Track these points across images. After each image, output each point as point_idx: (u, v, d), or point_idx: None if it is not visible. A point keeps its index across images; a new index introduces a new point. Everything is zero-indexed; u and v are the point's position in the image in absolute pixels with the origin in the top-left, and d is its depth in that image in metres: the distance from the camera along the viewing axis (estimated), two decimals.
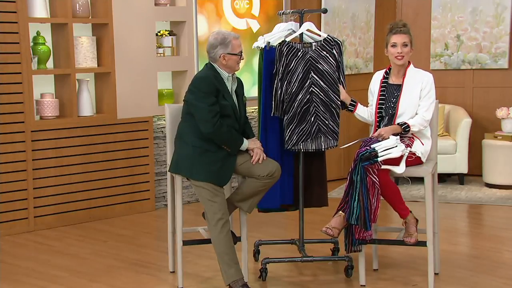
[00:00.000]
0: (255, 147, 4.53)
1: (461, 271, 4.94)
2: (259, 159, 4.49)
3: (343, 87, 4.83)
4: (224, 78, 4.48)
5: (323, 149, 4.81)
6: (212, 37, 4.49)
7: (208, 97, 4.38)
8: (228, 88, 4.49)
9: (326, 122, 4.78)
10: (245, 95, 4.67)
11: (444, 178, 7.82)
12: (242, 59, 4.54)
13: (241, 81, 4.65)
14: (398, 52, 4.64)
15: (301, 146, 4.77)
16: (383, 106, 4.71)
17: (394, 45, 4.65)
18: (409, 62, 4.71)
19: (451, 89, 8.29)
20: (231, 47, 4.44)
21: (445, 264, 5.02)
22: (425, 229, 4.55)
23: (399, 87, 4.69)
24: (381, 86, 4.75)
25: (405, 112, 4.63)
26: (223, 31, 4.55)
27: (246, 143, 4.52)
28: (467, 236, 6.10)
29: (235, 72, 4.57)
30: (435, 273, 4.68)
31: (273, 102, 4.74)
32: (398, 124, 4.61)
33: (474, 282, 4.74)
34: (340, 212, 4.57)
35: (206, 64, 4.54)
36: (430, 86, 4.65)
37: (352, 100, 4.85)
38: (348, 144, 4.80)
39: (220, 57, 4.44)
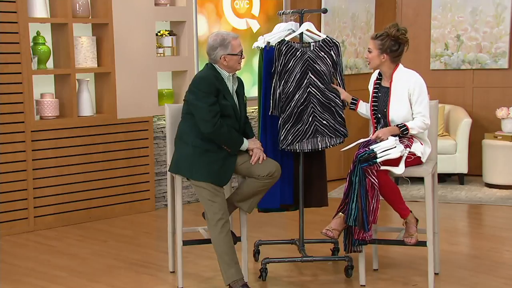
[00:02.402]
0: (254, 147, 4.53)
1: (461, 271, 4.94)
2: (258, 159, 4.49)
3: (343, 88, 4.84)
4: (224, 78, 4.48)
5: (320, 148, 4.80)
6: (211, 38, 4.48)
7: (208, 97, 4.38)
8: (229, 88, 4.49)
9: (325, 122, 4.78)
10: (245, 95, 4.67)
11: (444, 178, 7.82)
12: (243, 58, 4.54)
13: (242, 81, 4.65)
14: (364, 57, 4.70)
15: (297, 146, 4.76)
16: (377, 109, 4.70)
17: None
18: (396, 65, 4.68)
19: (451, 89, 8.29)
20: (231, 48, 4.44)
21: (445, 264, 5.02)
22: (425, 229, 4.55)
23: (388, 90, 4.68)
24: (374, 88, 4.75)
25: (396, 116, 4.59)
26: (222, 32, 4.55)
27: (246, 143, 4.52)
28: (467, 236, 6.10)
29: (236, 72, 4.57)
30: (435, 273, 4.68)
31: (271, 101, 4.75)
32: (397, 125, 4.60)
33: (474, 282, 4.74)
34: (340, 213, 4.56)
35: (207, 64, 4.54)
36: (419, 89, 4.57)
37: (353, 98, 4.86)
38: (348, 147, 4.79)
39: (220, 58, 4.44)
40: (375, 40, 4.62)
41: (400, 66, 4.67)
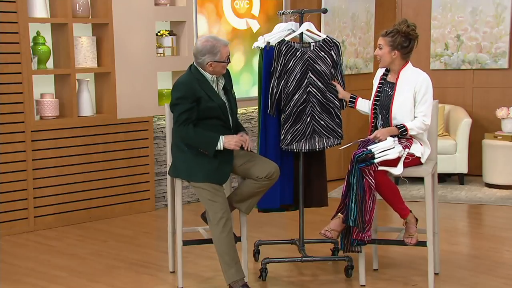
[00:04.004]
0: (232, 142, 4.39)
1: (461, 271, 4.94)
2: (246, 144, 4.42)
3: (342, 87, 4.84)
4: (208, 79, 4.46)
5: (317, 149, 4.81)
6: (201, 43, 4.42)
7: (183, 103, 4.35)
8: (214, 88, 4.47)
9: (322, 122, 4.78)
10: (233, 89, 4.63)
11: (444, 178, 7.82)
12: (229, 63, 4.51)
13: (229, 73, 4.59)
14: (375, 54, 4.73)
15: (295, 146, 4.77)
16: (378, 103, 4.69)
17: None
18: (406, 62, 4.69)
19: (451, 89, 8.29)
20: (219, 56, 4.40)
21: (445, 264, 5.02)
22: (425, 229, 4.55)
23: (393, 85, 4.67)
24: (380, 82, 4.74)
25: (398, 113, 4.59)
26: (213, 37, 4.47)
27: (221, 141, 4.38)
28: (467, 236, 6.10)
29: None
30: (435, 273, 4.69)
31: (269, 101, 4.75)
32: (396, 126, 4.59)
33: (474, 282, 4.74)
34: (339, 214, 4.56)
35: (190, 66, 4.52)
36: (425, 88, 4.57)
37: (351, 96, 4.85)
38: (346, 146, 4.79)
39: (207, 64, 4.42)
40: (386, 37, 4.61)
41: (409, 64, 4.67)
